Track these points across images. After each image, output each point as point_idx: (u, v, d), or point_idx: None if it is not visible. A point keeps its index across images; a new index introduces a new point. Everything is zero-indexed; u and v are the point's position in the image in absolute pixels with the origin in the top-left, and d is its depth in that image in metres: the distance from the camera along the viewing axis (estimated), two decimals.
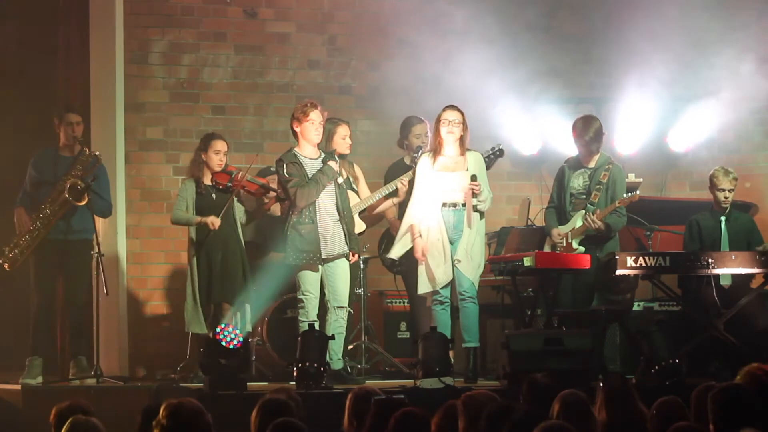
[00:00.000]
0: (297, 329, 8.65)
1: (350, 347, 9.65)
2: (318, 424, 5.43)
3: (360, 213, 9.44)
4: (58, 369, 9.78)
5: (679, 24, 11.01)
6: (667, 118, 11.49)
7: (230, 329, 8.03)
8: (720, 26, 11.13)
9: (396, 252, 9.03)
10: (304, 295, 8.77)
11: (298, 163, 8.80)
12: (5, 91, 10.67)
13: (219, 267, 9.19)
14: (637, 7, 11.34)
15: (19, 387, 8.87)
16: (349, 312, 9.07)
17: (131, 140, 10.77)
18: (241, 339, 8.00)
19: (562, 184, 9.35)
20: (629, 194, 9.07)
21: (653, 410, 5.22)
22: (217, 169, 9.29)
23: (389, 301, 10.57)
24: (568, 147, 9.75)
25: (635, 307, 9.71)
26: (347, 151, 9.48)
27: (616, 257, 8.87)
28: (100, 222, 9.42)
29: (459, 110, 8.95)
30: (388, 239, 9.92)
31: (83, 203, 9.06)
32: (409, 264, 9.33)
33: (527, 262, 8.82)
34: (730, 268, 9.06)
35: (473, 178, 8.83)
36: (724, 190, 9.44)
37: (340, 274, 8.85)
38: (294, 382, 8.06)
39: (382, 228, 10.04)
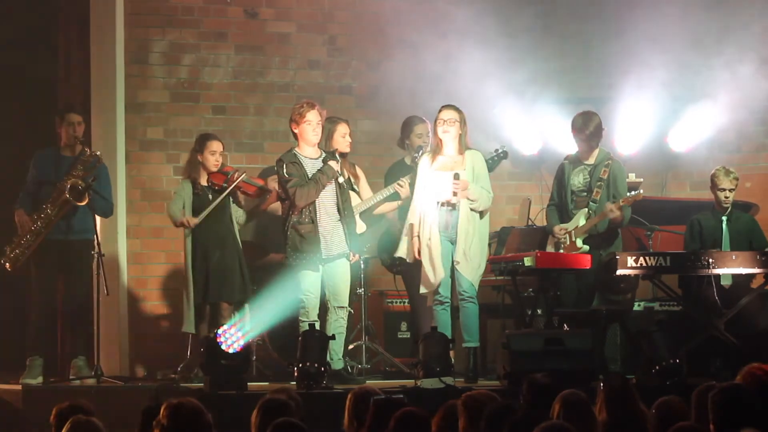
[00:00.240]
0: (297, 329, 8.65)
1: (351, 347, 9.65)
2: (318, 424, 5.43)
3: (360, 214, 9.43)
4: (59, 369, 9.78)
5: (679, 24, 11.00)
6: (668, 118, 11.48)
7: (232, 332, 8.03)
8: (720, 26, 11.12)
9: (401, 251, 9.03)
10: (304, 295, 8.77)
11: (298, 163, 8.80)
12: (6, 91, 10.67)
13: (216, 267, 9.20)
14: (637, 8, 11.34)
15: (19, 387, 8.87)
16: (350, 312, 9.07)
17: (132, 140, 10.76)
18: (242, 343, 8.00)
19: (562, 182, 9.35)
20: (633, 193, 9.07)
21: (654, 410, 5.22)
22: (213, 169, 9.30)
23: (390, 301, 10.57)
24: (568, 147, 9.74)
25: (636, 307, 9.71)
26: (348, 150, 9.47)
27: (617, 257, 8.87)
28: (100, 222, 9.42)
29: (455, 109, 8.93)
30: (388, 239, 9.92)
31: (84, 203, 9.06)
32: (409, 264, 9.32)
33: (528, 262, 8.82)
34: (730, 268, 9.06)
35: (456, 176, 8.80)
36: (724, 190, 9.44)
37: (341, 274, 8.85)
38: (294, 382, 8.06)
39: (383, 228, 10.04)
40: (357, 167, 9.72)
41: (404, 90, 11.00)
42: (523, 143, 11.45)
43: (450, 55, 11.06)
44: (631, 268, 8.88)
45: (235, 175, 9.31)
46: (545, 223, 9.80)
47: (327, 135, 9.23)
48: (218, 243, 9.24)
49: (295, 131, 8.89)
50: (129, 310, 10.60)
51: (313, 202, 8.76)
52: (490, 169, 9.34)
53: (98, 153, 9.37)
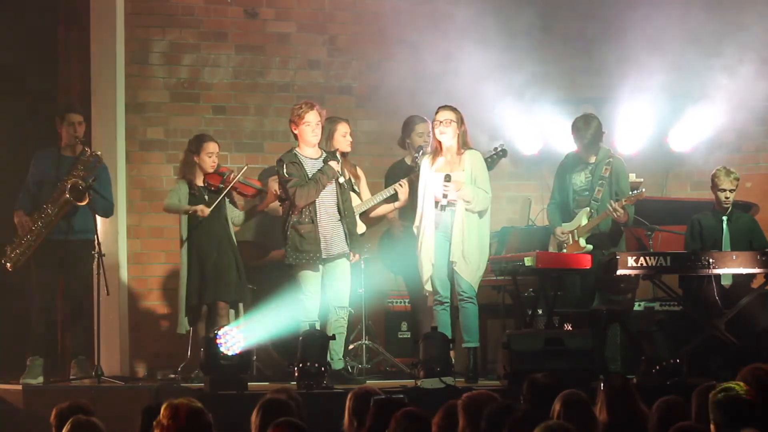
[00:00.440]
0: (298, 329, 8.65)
1: (351, 347, 9.65)
2: (318, 424, 5.43)
3: (360, 215, 9.43)
4: (59, 369, 9.78)
5: (679, 25, 11.00)
6: (668, 118, 11.49)
7: (233, 333, 8.04)
8: (720, 27, 11.12)
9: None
10: (305, 294, 8.77)
11: (298, 163, 8.80)
12: (6, 91, 10.67)
13: (213, 267, 9.21)
14: (637, 8, 11.34)
15: (19, 387, 8.87)
16: (350, 312, 9.07)
17: (132, 140, 10.76)
18: (242, 346, 8.00)
19: (563, 181, 9.35)
20: (636, 191, 9.08)
21: (654, 410, 5.21)
22: (211, 171, 9.31)
23: (390, 301, 10.57)
24: (568, 147, 9.74)
25: (636, 307, 9.71)
26: (348, 149, 9.47)
27: (617, 257, 8.87)
28: (101, 222, 9.42)
29: (452, 109, 8.91)
30: (389, 239, 9.92)
31: (84, 203, 9.06)
32: (410, 264, 9.33)
33: (528, 262, 8.82)
34: (731, 267, 9.06)
35: (446, 178, 8.79)
36: (725, 190, 9.43)
37: (341, 274, 8.85)
38: (295, 382, 8.06)
39: (383, 228, 10.04)
40: (358, 168, 9.72)
41: (404, 90, 11.00)
42: (524, 143, 11.44)
43: (450, 55, 11.06)
44: (632, 268, 8.88)
45: (231, 176, 9.32)
46: (546, 223, 9.81)
47: (327, 135, 9.23)
48: (214, 243, 9.25)
49: (295, 132, 8.89)
50: (129, 310, 10.60)
51: (313, 202, 8.76)
52: (490, 167, 9.33)
53: (99, 153, 9.38)
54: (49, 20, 10.81)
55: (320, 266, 8.78)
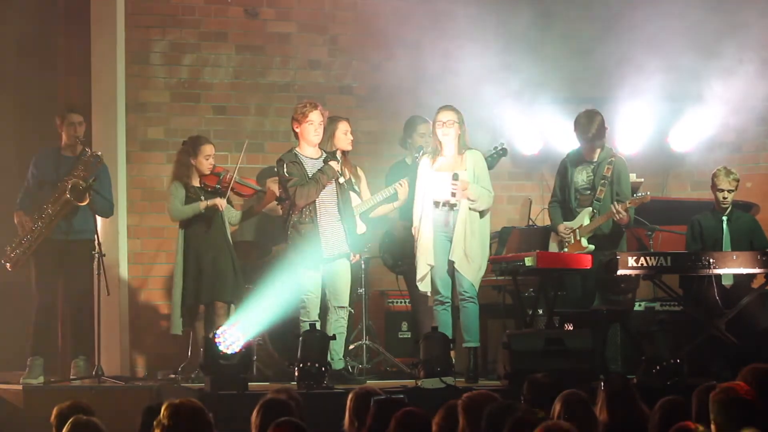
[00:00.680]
0: (298, 329, 8.65)
1: (351, 347, 9.65)
2: (319, 424, 5.43)
3: (360, 215, 9.43)
4: (59, 369, 9.78)
5: (679, 24, 11.00)
6: (668, 118, 11.48)
7: (232, 332, 8.04)
8: (720, 26, 11.12)
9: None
10: (305, 294, 8.77)
11: (299, 163, 8.80)
12: (6, 91, 10.67)
13: (209, 267, 9.21)
14: (638, 7, 11.34)
15: (20, 387, 8.88)
16: (350, 312, 9.08)
17: (132, 140, 10.77)
18: (242, 343, 8.00)
19: (565, 179, 9.33)
20: (641, 194, 9.08)
21: (654, 410, 5.21)
22: (207, 173, 9.32)
23: (390, 301, 10.57)
24: (569, 146, 9.73)
25: (636, 307, 9.70)
26: (349, 148, 9.47)
27: (618, 257, 8.86)
28: (101, 222, 9.43)
29: (453, 110, 8.94)
30: (389, 239, 9.92)
31: (85, 203, 9.06)
32: (410, 264, 9.34)
33: (528, 262, 8.82)
34: (731, 268, 9.05)
35: (454, 176, 8.81)
36: (723, 191, 9.43)
37: (341, 273, 8.85)
38: (295, 382, 8.06)
39: (384, 228, 10.04)
40: (359, 168, 9.72)
41: (405, 90, 11.00)
42: (524, 143, 11.45)
43: (450, 55, 11.06)
44: (632, 268, 8.87)
45: (227, 176, 9.33)
46: (546, 223, 9.80)
47: (329, 133, 9.23)
48: (210, 244, 9.25)
49: (297, 130, 8.89)
50: (129, 310, 10.60)
51: (314, 202, 8.76)
52: (491, 166, 9.34)
53: (99, 153, 9.38)
54: (50, 20, 10.81)
55: (320, 266, 8.78)
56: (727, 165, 9.63)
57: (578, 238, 9.14)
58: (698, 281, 9.20)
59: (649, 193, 9.12)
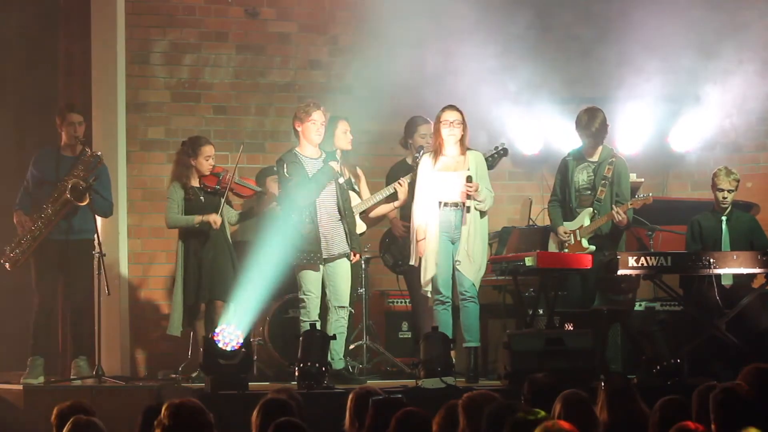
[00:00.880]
0: (298, 329, 8.65)
1: (352, 347, 9.65)
2: (319, 424, 5.43)
3: (360, 214, 9.44)
4: (60, 369, 9.78)
5: (679, 24, 11.00)
6: (669, 118, 11.49)
7: (230, 330, 8.05)
8: (721, 26, 11.12)
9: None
10: (305, 294, 8.77)
11: (299, 163, 8.80)
12: (6, 91, 10.67)
13: (210, 267, 9.22)
14: (638, 7, 11.33)
15: (20, 387, 8.87)
16: (351, 312, 9.08)
17: (132, 140, 10.77)
18: (241, 341, 8.00)
19: (565, 179, 9.32)
20: (642, 196, 9.08)
21: (655, 410, 5.21)
22: (207, 173, 9.32)
23: (391, 301, 10.57)
24: (569, 146, 9.73)
25: (637, 307, 9.70)
26: (349, 147, 9.47)
27: (618, 257, 8.86)
28: (101, 222, 9.43)
29: (458, 110, 8.96)
30: (390, 239, 9.93)
31: (85, 203, 9.06)
32: (412, 264, 9.34)
33: (529, 261, 8.82)
34: (731, 267, 9.05)
35: (468, 179, 8.84)
36: (723, 191, 9.43)
37: (341, 273, 8.85)
38: (295, 382, 8.06)
39: (384, 228, 10.04)
40: (358, 168, 9.72)
41: (405, 90, 10.99)
42: (524, 143, 11.45)
43: (451, 55, 11.06)
44: (632, 268, 8.87)
45: (227, 177, 9.33)
46: (546, 223, 9.80)
47: (329, 134, 9.23)
48: (210, 244, 9.26)
49: (298, 129, 8.89)
50: (130, 310, 10.60)
51: (314, 202, 8.76)
52: (492, 166, 9.37)
53: (99, 153, 9.38)
54: (50, 20, 10.82)
55: (321, 266, 8.78)
56: (727, 165, 9.63)
57: (578, 238, 9.14)
58: (698, 281, 9.21)
59: (651, 194, 9.13)
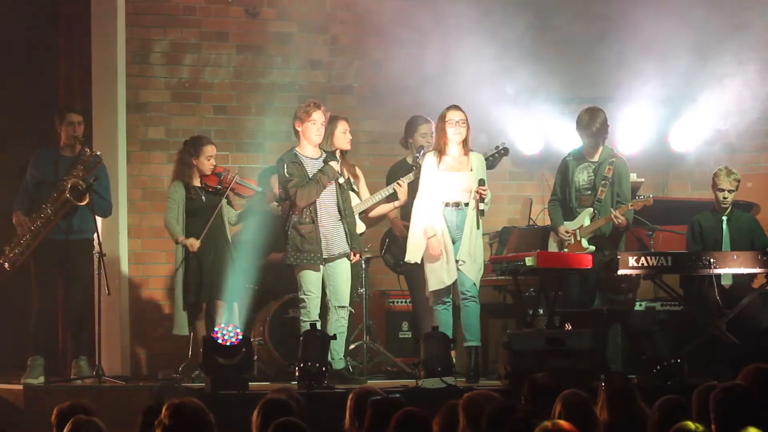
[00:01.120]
0: (298, 329, 8.65)
1: (352, 347, 9.65)
2: (319, 424, 5.42)
3: (359, 214, 9.44)
4: (60, 369, 9.78)
5: (680, 24, 10.99)
6: (669, 118, 11.49)
7: (230, 328, 8.06)
8: (722, 26, 11.11)
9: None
10: (305, 294, 8.78)
11: (299, 163, 8.81)
12: (6, 91, 10.67)
13: (210, 266, 9.23)
14: (638, 7, 11.33)
15: (20, 387, 8.87)
16: (351, 312, 9.08)
17: (133, 140, 10.77)
18: (240, 337, 8.01)
19: (566, 178, 9.32)
20: (643, 197, 9.09)
21: (655, 410, 5.21)
22: (209, 173, 9.33)
23: (391, 300, 10.57)
24: (569, 147, 9.74)
25: (637, 307, 9.70)
26: (348, 147, 9.48)
27: (618, 257, 8.86)
28: (101, 222, 9.43)
29: (462, 110, 8.98)
30: (390, 239, 9.93)
31: (84, 203, 9.06)
32: (413, 264, 9.35)
33: (529, 261, 8.82)
34: (731, 267, 9.05)
35: (481, 182, 8.86)
36: (723, 191, 9.43)
37: (342, 273, 8.86)
38: (295, 382, 8.06)
39: (385, 228, 10.04)
40: (357, 168, 9.72)
41: (406, 90, 11.00)
42: (525, 143, 11.45)
43: (451, 55, 11.06)
44: (633, 267, 8.87)
45: (228, 177, 9.34)
46: (547, 223, 9.80)
47: (328, 133, 9.24)
48: (211, 243, 9.28)
49: (299, 129, 8.89)
50: (130, 310, 10.60)
51: (314, 202, 8.77)
52: (492, 166, 9.40)
53: (98, 153, 9.37)
54: (50, 20, 10.81)
55: (321, 266, 8.78)
56: (727, 165, 9.63)
57: (578, 238, 9.14)
58: (699, 281, 9.21)
59: (652, 195, 9.13)
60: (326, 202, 8.83)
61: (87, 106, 10.33)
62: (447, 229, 8.91)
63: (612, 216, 8.99)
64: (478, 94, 10.62)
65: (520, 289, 9.34)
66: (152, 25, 10.89)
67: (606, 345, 9.04)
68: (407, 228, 9.47)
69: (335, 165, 8.83)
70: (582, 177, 9.27)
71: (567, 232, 9.19)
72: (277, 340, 9.69)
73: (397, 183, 9.46)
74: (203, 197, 9.33)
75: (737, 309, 9.05)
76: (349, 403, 5.46)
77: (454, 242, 8.90)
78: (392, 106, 10.99)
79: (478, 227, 8.92)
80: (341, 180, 8.89)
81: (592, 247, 9.07)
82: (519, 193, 11.46)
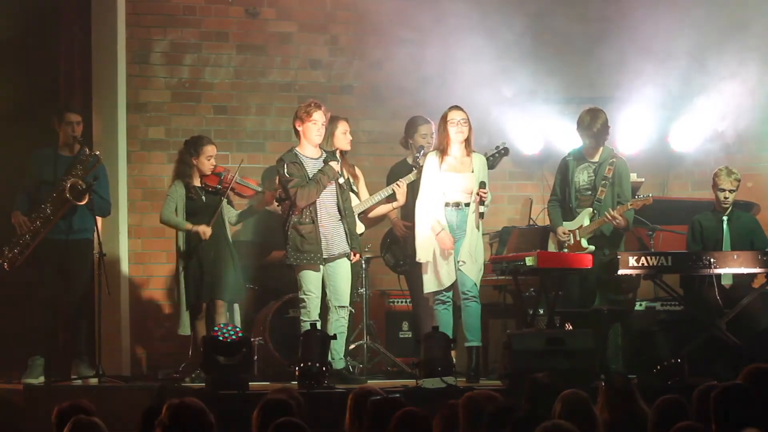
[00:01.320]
0: (299, 329, 8.65)
1: (352, 347, 9.65)
2: (320, 424, 5.43)
3: (358, 215, 9.44)
4: (60, 369, 9.77)
5: (680, 23, 11.00)
6: (669, 118, 11.49)
7: (229, 327, 8.06)
8: (722, 25, 11.11)
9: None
10: (305, 294, 8.77)
11: (299, 163, 8.81)
12: (6, 90, 10.67)
13: (210, 266, 9.22)
14: (638, 7, 11.33)
15: (21, 387, 8.87)
16: (351, 312, 9.08)
17: (133, 140, 10.77)
18: (240, 335, 8.02)
19: (566, 178, 9.31)
20: (642, 196, 9.08)
21: (655, 410, 5.21)
22: (209, 173, 9.33)
23: (391, 300, 10.57)
24: (569, 146, 9.73)
25: (637, 307, 9.70)
26: (348, 147, 9.49)
27: (618, 257, 8.86)
28: (102, 222, 9.43)
29: (464, 110, 8.99)
30: (391, 239, 9.93)
31: (83, 203, 9.06)
32: (412, 264, 9.35)
33: (529, 261, 8.82)
34: (732, 267, 9.05)
35: (482, 185, 8.87)
36: (724, 190, 9.42)
37: (342, 273, 8.86)
38: (296, 382, 8.06)
39: (385, 228, 10.04)
40: (356, 168, 9.72)
41: (406, 90, 11.00)
42: (525, 143, 11.44)
43: (452, 55, 11.06)
44: (633, 267, 8.87)
45: (228, 176, 9.34)
46: (546, 223, 9.80)
47: (328, 133, 9.24)
48: (211, 243, 9.27)
49: (299, 129, 8.89)
50: (130, 310, 10.61)
51: (314, 203, 8.77)
52: (492, 166, 9.40)
53: (97, 153, 9.37)
54: (51, 20, 10.81)
55: (321, 266, 8.78)
56: (727, 165, 9.63)
57: (578, 238, 9.14)
58: (699, 281, 9.20)
59: (651, 195, 9.12)
60: (326, 202, 8.83)
61: (87, 106, 10.33)
62: (447, 230, 8.91)
63: (608, 217, 8.98)
64: (478, 93, 10.62)
65: (520, 289, 9.34)
66: (152, 25, 10.89)
67: (606, 345, 9.04)
68: (408, 228, 9.48)
69: (335, 165, 8.83)
70: (582, 177, 9.26)
71: (565, 233, 9.19)
72: (277, 340, 9.69)
73: (396, 184, 9.46)
74: (203, 197, 9.33)
75: (737, 309, 9.05)
76: (349, 403, 5.46)
77: (454, 242, 8.90)
78: (392, 106, 10.99)
79: (478, 228, 8.94)
80: (341, 180, 8.89)
81: (592, 247, 9.06)
82: (519, 193, 11.47)
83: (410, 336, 10.25)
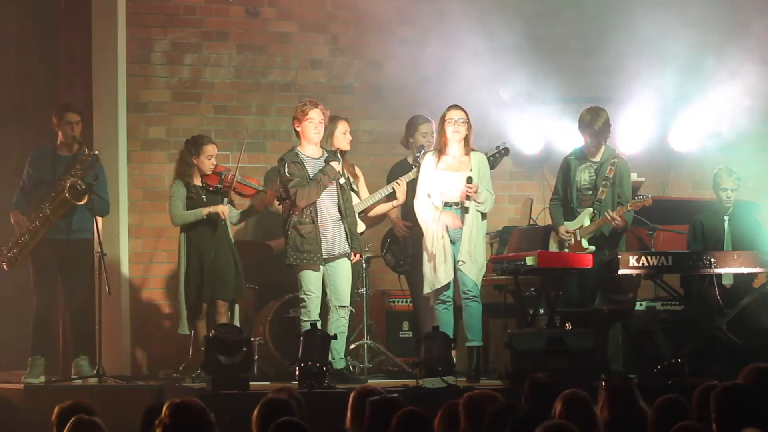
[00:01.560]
0: (299, 329, 8.65)
1: (352, 347, 9.64)
2: (320, 424, 5.42)
3: (359, 214, 9.44)
4: (60, 368, 9.78)
5: (680, 24, 10.99)
6: (669, 118, 11.48)
7: (230, 328, 8.08)
8: (722, 26, 11.11)
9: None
10: (305, 294, 8.78)
11: (300, 163, 8.81)
12: (6, 90, 10.67)
13: (211, 266, 9.22)
14: (638, 7, 11.33)
15: (21, 386, 8.88)
16: (351, 311, 9.08)
17: (133, 140, 10.77)
18: (241, 333, 8.04)
19: (567, 177, 9.31)
20: (641, 197, 9.08)
21: (655, 410, 5.21)
22: (210, 172, 9.33)
23: (392, 300, 10.56)
24: (570, 146, 9.73)
25: (638, 307, 9.69)
26: (348, 147, 9.49)
27: (619, 257, 8.86)
28: (102, 221, 9.43)
29: (463, 110, 8.99)
30: (391, 239, 9.93)
31: (83, 203, 9.06)
32: (412, 263, 9.35)
33: (530, 261, 8.82)
34: (732, 267, 9.05)
35: (469, 180, 8.85)
36: (726, 190, 9.43)
37: (342, 273, 8.86)
38: (296, 382, 8.06)
39: (386, 227, 10.04)
40: (356, 168, 9.73)
41: (406, 89, 11.00)
42: (525, 142, 11.44)
43: (452, 55, 11.06)
44: (633, 267, 8.86)
45: (229, 176, 9.34)
46: (547, 223, 9.80)
47: (328, 133, 9.24)
48: (212, 243, 9.26)
49: (297, 129, 8.90)
50: (131, 310, 10.60)
51: (314, 202, 8.77)
52: (492, 165, 9.38)
53: (97, 152, 9.37)
54: (51, 20, 10.81)
55: (321, 266, 8.78)
56: (728, 164, 9.63)
57: (578, 239, 9.14)
58: (699, 281, 9.20)
59: (650, 195, 9.13)
60: (327, 202, 8.83)
61: (87, 106, 10.33)
62: (446, 230, 8.90)
63: (607, 218, 8.98)
64: (478, 93, 10.62)
65: (520, 288, 9.34)
66: (152, 24, 10.89)
67: (606, 345, 9.04)
68: (408, 228, 9.48)
69: (336, 165, 8.83)
70: (583, 177, 9.26)
71: (567, 232, 9.19)
72: (278, 340, 9.69)
73: (396, 182, 9.46)
74: (204, 197, 9.32)
75: (738, 309, 9.05)
76: (349, 402, 5.46)
77: (453, 242, 8.90)
78: (392, 106, 10.99)
79: (478, 228, 8.91)
80: (342, 180, 8.89)
81: (593, 247, 9.07)
82: (519, 192, 11.46)
83: (411, 336, 10.25)
